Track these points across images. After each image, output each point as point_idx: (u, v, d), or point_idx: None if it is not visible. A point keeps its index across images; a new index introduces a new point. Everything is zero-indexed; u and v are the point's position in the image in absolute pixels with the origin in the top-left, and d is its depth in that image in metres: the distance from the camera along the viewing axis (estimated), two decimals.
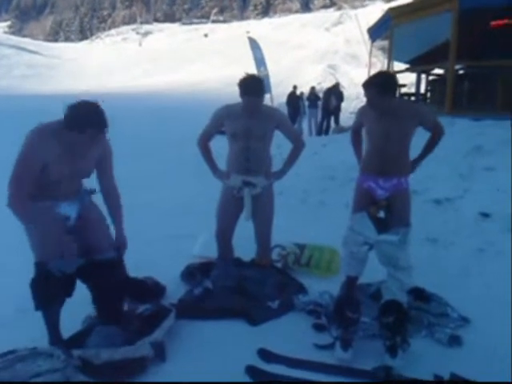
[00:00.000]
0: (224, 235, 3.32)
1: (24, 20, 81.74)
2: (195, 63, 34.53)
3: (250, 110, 3.03)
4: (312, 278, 3.34)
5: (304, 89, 15.24)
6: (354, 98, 20.64)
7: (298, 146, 3.31)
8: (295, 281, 3.25)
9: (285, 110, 13.82)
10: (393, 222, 2.76)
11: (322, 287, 3.08)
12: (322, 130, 12.70)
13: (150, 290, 2.95)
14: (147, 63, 36.23)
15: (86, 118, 2.22)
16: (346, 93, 16.23)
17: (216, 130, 3.24)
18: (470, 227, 4.18)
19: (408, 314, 2.46)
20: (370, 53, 12.31)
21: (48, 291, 2.35)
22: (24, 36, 61.25)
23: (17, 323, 2.79)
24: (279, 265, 3.50)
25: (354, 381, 2.24)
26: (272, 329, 2.72)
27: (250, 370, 2.28)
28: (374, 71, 11.80)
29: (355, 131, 3.28)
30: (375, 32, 11.28)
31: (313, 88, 13.92)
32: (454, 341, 2.50)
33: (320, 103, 13.07)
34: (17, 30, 73.36)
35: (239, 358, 2.40)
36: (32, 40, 49.42)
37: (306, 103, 13.42)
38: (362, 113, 3.12)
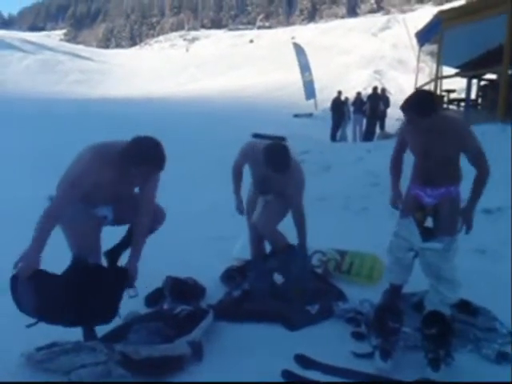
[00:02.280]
0: (255, 234, 3.43)
1: (78, 28, 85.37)
2: (241, 69, 34.89)
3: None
4: (352, 286, 3.27)
5: (349, 94, 15.04)
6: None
7: (299, 220, 3.21)
8: (335, 288, 3.20)
9: (329, 115, 13.71)
10: (439, 230, 2.67)
11: (363, 295, 3.01)
12: (368, 136, 12.50)
13: (191, 290, 2.98)
14: (194, 69, 36.95)
15: (144, 157, 2.24)
16: (392, 98, 15.89)
17: (243, 168, 3.39)
18: None
19: (452, 327, 2.36)
20: (418, 57, 12.02)
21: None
22: (78, 43, 63.96)
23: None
24: (319, 271, 3.46)
25: None
26: (310, 334, 2.69)
27: (286, 374, 2.27)
28: (422, 76, 11.50)
29: (396, 157, 3.02)
30: (423, 36, 11.01)
31: (359, 93, 13.72)
32: (502, 357, 2.38)
33: (365, 108, 12.86)
34: (72, 38, 76.74)
35: (276, 362, 2.38)
36: (85, 47, 51.51)
37: (351, 109, 13.24)
38: (402, 130, 2.98)
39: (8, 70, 30.26)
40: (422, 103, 2.59)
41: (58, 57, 35.64)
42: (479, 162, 2.68)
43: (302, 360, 2.38)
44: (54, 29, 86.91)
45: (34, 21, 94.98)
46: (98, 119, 12.06)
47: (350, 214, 5.31)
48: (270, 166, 2.96)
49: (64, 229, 2.48)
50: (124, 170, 2.29)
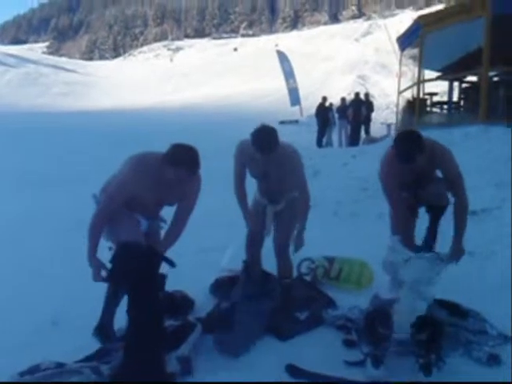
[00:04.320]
0: (254, 239, 3.26)
1: (61, 40, 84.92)
2: (225, 77, 34.96)
3: (263, 160, 2.99)
4: (342, 292, 3.26)
5: (334, 100, 15.14)
6: (385, 108, 20.37)
7: (304, 200, 3.09)
8: (324, 295, 3.18)
9: (315, 121, 13.77)
10: None
11: (352, 301, 3.00)
12: (353, 141, 12.57)
13: (179, 304, 2.94)
14: (179, 78, 36.92)
15: (178, 158, 2.43)
16: (376, 102, 16.04)
17: (244, 170, 3.18)
18: (508, 238, 4.01)
19: (443, 331, 2.35)
20: (400, 62, 12.15)
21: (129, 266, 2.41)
22: (61, 55, 63.60)
23: (51, 335, 2.84)
24: (308, 278, 3.44)
25: None
26: (300, 344, 2.66)
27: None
28: (404, 80, 11.55)
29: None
30: (405, 41, 11.12)
31: (343, 99, 13.81)
32: (493, 360, 2.38)
33: (348, 114, 12.95)
34: (55, 50, 76.24)
35: (267, 373, 2.35)
36: (69, 59, 51.21)
37: (336, 115, 13.32)
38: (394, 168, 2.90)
39: None
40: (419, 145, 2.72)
41: (41, 69, 35.38)
42: (458, 184, 2.87)
43: (293, 370, 2.35)
44: (36, 41, 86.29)
45: (15, 34, 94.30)
46: (84, 132, 11.96)
47: (340, 220, 5.31)
48: (257, 146, 2.85)
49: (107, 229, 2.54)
50: (162, 176, 2.46)
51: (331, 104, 13.86)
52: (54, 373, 2.23)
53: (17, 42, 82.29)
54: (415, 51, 11.21)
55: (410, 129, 2.77)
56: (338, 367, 2.39)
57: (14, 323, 2.95)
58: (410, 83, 11.21)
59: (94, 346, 2.53)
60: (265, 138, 2.87)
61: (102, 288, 2.54)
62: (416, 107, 9.62)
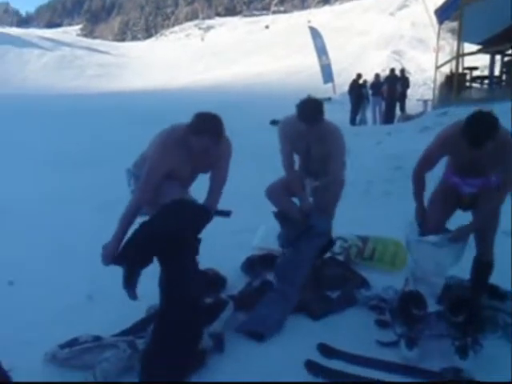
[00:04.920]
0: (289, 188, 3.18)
1: (94, 22, 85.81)
2: (256, 55, 34.59)
3: (307, 135, 2.96)
4: (375, 272, 3.22)
5: (368, 76, 14.74)
6: (421, 84, 19.74)
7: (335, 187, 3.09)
8: (357, 274, 3.14)
9: (348, 98, 13.47)
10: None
11: (386, 282, 2.96)
12: (388, 118, 12.25)
13: (211, 281, 2.96)
14: (210, 57, 36.79)
15: (201, 126, 2.45)
16: (412, 78, 15.55)
17: (291, 148, 3.14)
18: None
19: (480, 313, 2.29)
20: (438, 35, 11.68)
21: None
22: (95, 37, 64.39)
23: (87, 310, 2.93)
24: (341, 258, 3.40)
25: (419, 381, 2.12)
26: (333, 323, 2.64)
27: (310, 364, 2.23)
28: (442, 55, 11.14)
29: (420, 174, 2.78)
30: (443, 13, 10.66)
31: (377, 75, 13.43)
32: None
33: (383, 90, 12.59)
34: (88, 33, 77.23)
35: (298, 352, 2.36)
36: (102, 41, 51.80)
37: (370, 91, 12.98)
38: (448, 144, 2.62)
39: (27, 68, 30.68)
40: (493, 128, 2.37)
41: (76, 52, 35.94)
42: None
43: (325, 349, 2.35)
44: (70, 24, 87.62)
45: (50, 17, 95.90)
46: (117, 112, 12.12)
47: (372, 199, 5.22)
48: (302, 116, 2.84)
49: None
50: (190, 144, 2.48)
51: (365, 81, 13.51)
52: (92, 346, 2.30)
53: (52, 25, 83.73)
54: (454, 24, 10.76)
55: (487, 110, 2.40)
56: (370, 348, 2.37)
57: (51, 298, 3.04)
58: (448, 57, 10.79)
59: (129, 320, 2.61)
60: (310, 108, 2.86)
61: None
62: (455, 82, 9.26)
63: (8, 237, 4.14)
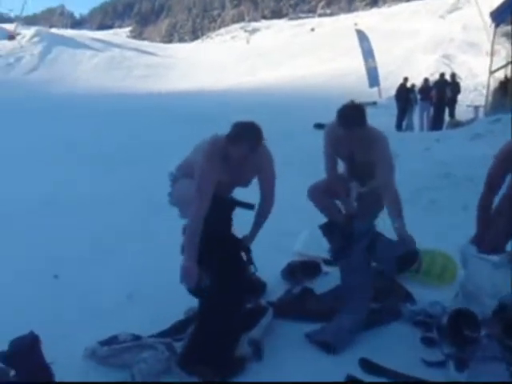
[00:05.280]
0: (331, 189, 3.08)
1: (143, 24, 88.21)
2: (302, 57, 34.38)
3: (349, 140, 2.87)
4: (421, 286, 3.06)
5: (415, 80, 14.31)
6: (472, 90, 18.97)
7: (389, 193, 2.83)
8: (401, 287, 3.01)
9: (394, 103, 13.11)
10: None
11: (432, 296, 2.81)
12: (436, 124, 11.85)
13: (251, 286, 2.91)
14: (255, 60, 36.91)
15: (241, 135, 2.45)
16: (462, 83, 14.98)
17: (333, 152, 3.05)
18: None
19: None
20: (493, 39, 11.19)
21: None
22: (143, 39, 66.03)
23: (126, 308, 2.95)
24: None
25: None
26: (376, 337, 2.54)
27: (350, 380, 2.14)
28: (497, 59, 10.64)
29: (486, 202, 2.67)
30: (499, 15, 10.22)
31: (426, 80, 13.03)
32: None
33: (432, 95, 12.18)
34: (137, 34, 79.46)
35: (339, 366, 2.27)
36: (150, 43, 53.07)
37: (419, 96, 12.59)
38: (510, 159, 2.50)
39: (79, 68, 31.82)
40: None
41: (125, 53, 37.00)
42: None
43: (367, 365, 2.25)
44: (120, 26, 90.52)
45: (102, 20, 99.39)
46: (165, 112, 12.35)
47: (418, 207, 5.01)
48: (341, 120, 2.76)
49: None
50: (231, 154, 2.47)
51: (413, 85, 13.13)
52: (131, 346, 2.31)
53: (103, 27, 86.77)
54: (510, 28, 10.29)
55: None
56: (414, 366, 2.25)
57: (93, 295, 3.10)
58: (503, 62, 10.32)
59: (167, 321, 2.61)
60: (350, 113, 2.77)
61: (175, 263, 2.56)
62: (510, 88, 8.85)
63: (54, 231, 4.27)
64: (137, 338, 2.37)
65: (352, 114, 2.78)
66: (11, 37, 34.92)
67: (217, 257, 2.38)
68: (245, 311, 2.48)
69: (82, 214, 4.79)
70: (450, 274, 3.08)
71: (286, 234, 4.11)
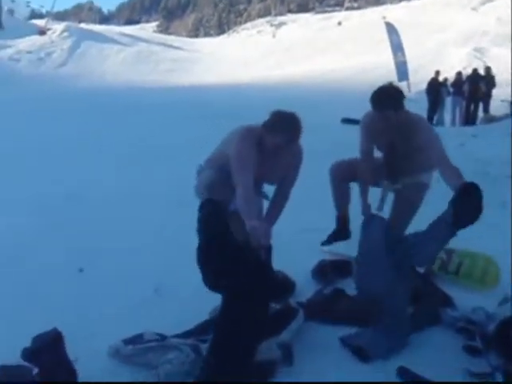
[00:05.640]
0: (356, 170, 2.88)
1: (170, 19, 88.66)
2: (329, 52, 33.94)
3: (387, 128, 2.66)
4: (461, 290, 2.88)
5: (446, 75, 13.89)
6: (507, 84, 18.34)
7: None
8: (440, 290, 2.83)
9: (424, 97, 12.74)
10: None
11: (474, 301, 2.63)
12: (468, 119, 11.47)
13: (280, 285, 2.79)
14: (281, 54, 36.63)
15: (280, 124, 2.34)
16: (497, 78, 14.47)
17: (371, 143, 2.84)
18: None
19: None
20: None
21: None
22: (170, 34, 66.38)
23: (152, 304, 2.88)
24: (421, 270, 3.09)
25: None
26: (414, 343, 2.37)
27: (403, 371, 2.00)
28: None
29: None
30: None
31: (459, 74, 12.62)
32: None
33: (464, 90, 11.79)
34: (164, 29, 79.91)
35: (376, 374, 2.13)
36: (176, 37, 53.34)
37: (451, 90, 12.20)
38: None
39: (107, 63, 32.22)
40: None
41: (152, 48, 37.29)
42: None
43: (406, 374, 2.10)
44: (147, 21, 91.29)
45: (130, 15, 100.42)
46: (191, 106, 12.30)
47: None
48: (374, 103, 2.55)
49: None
50: (265, 143, 2.36)
51: (446, 79, 12.73)
52: (155, 346, 2.23)
53: (131, 22, 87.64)
54: None
55: None
56: (456, 376, 2.10)
57: (119, 290, 3.03)
58: None
59: (194, 318, 2.52)
60: (383, 94, 2.59)
61: None
62: None
63: (82, 224, 4.22)
64: (162, 337, 2.29)
65: (385, 96, 2.57)
66: (42, 32, 35.54)
67: (236, 261, 2.22)
68: (273, 313, 2.35)
69: (115, 207, 4.68)
70: (492, 278, 2.89)
71: (311, 230, 3.93)
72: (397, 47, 19.73)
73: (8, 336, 2.41)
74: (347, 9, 61.68)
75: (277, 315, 2.37)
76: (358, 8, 61.13)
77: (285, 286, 2.83)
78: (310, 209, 4.64)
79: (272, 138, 2.33)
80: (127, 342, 2.30)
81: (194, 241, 2.17)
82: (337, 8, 64.42)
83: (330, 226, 3.72)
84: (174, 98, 15.09)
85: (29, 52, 31.22)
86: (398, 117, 2.58)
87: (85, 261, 3.45)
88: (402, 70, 19.18)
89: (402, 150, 2.69)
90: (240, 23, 72.45)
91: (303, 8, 69.31)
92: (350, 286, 2.96)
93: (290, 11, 69.61)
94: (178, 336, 2.33)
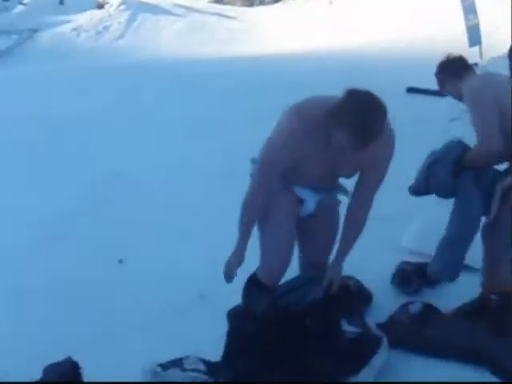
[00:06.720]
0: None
1: None
2: (392, 18, 32.04)
3: None
4: None
5: None
6: None
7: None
8: None
9: (501, 65, 11.40)
10: None
11: None
12: None
13: (354, 298, 2.21)
14: (339, 21, 35.04)
15: (351, 116, 1.57)
16: None
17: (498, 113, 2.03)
18: None
19: None
20: None
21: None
22: (224, 4, 65.64)
23: (196, 309, 2.54)
24: None
25: None
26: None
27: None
28: None
29: None
30: None
31: None
32: None
33: None
34: None
35: None
36: (231, 7, 52.49)
37: None
38: None
39: (161, 34, 32.11)
40: None
41: (206, 18, 36.78)
42: None
43: None
44: None
45: None
46: (254, 77, 11.71)
47: None
48: None
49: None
50: (328, 133, 1.66)
51: None
52: (198, 376, 1.77)
53: None
54: None
55: None
56: None
57: (159, 290, 2.71)
58: None
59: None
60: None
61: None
62: None
63: (124, 208, 3.80)
64: (206, 364, 1.82)
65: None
66: (100, 6, 36.07)
67: None
68: (347, 343, 1.80)
69: (157, 190, 4.16)
70: None
71: (385, 219, 3.15)
72: (468, 9, 17.87)
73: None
74: None
75: (352, 343, 1.82)
76: None
77: (358, 297, 2.25)
78: (381, 193, 3.98)
79: (335, 133, 1.63)
80: (165, 366, 1.86)
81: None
82: None
83: (406, 214, 3.08)
84: (235, 68, 14.58)
85: (87, 26, 31.83)
86: None
87: (124, 251, 3.09)
88: (473, 33, 17.39)
89: None
90: None
91: None
92: (440, 297, 2.37)
93: None
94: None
